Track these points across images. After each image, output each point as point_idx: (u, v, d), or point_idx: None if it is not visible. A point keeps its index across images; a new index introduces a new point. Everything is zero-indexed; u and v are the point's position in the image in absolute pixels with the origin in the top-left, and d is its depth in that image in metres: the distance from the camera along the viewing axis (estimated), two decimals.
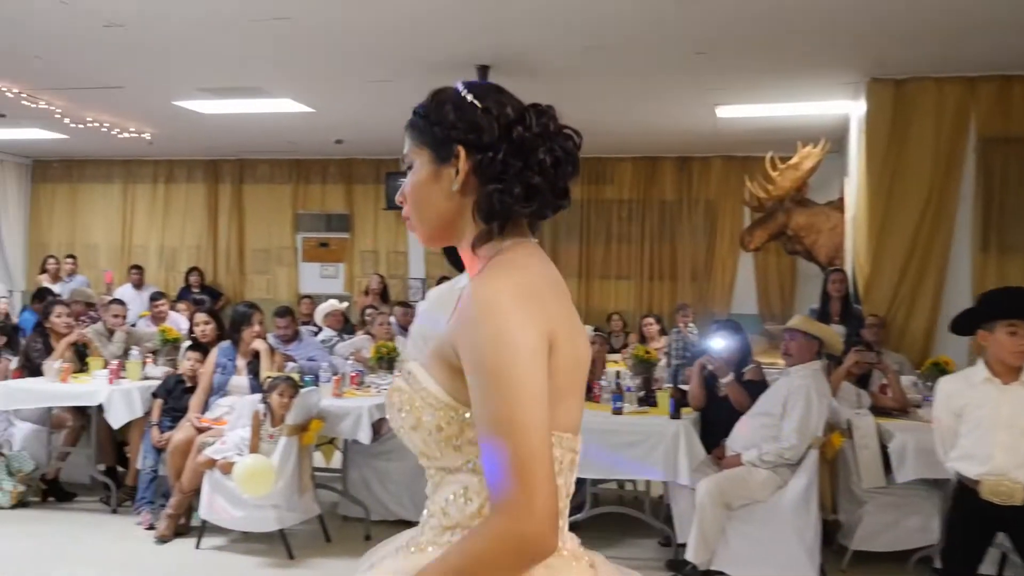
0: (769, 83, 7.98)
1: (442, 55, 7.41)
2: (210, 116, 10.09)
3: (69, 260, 12.54)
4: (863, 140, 7.54)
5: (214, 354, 6.17)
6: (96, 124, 10.54)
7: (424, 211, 1.59)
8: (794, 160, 8.60)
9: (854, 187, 8.15)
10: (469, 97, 1.55)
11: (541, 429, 1.37)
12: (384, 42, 7.16)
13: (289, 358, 7.51)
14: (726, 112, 9.05)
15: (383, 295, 11.65)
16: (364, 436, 5.60)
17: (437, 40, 7.07)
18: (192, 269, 12.66)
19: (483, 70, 7.83)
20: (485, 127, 1.52)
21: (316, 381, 6.00)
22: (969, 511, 3.87)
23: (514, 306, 1.41)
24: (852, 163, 8.41)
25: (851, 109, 8.49)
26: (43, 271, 12.32)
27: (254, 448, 5.32)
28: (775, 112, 8.86)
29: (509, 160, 1.51)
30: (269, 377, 5.51)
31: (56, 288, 11.73)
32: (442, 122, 1.54)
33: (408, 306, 9.33)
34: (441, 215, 1.58)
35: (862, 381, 6.06)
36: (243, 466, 5.09)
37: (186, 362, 6.36)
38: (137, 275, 12.33)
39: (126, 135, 11.10)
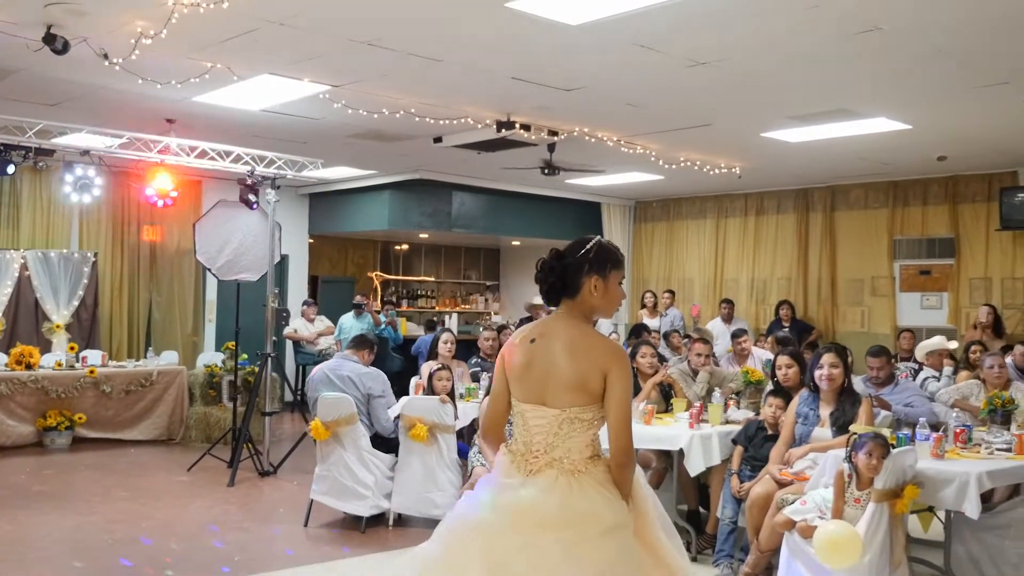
0: None
1: None
2: (798, 145, 9.71)
3: (667, 295, 13.08)
4: None
5: (795, 401, 5.71)
6: (688, 163, 10.80)
7: None
8: None
9: None
10: None
11: (487, 401, 3.27)
12: (996, 38, 6.09)
13: (884, 404, 6.79)
14: None
15: (995, 329, 10.17)
16: (971, 509, 4.68)
17: None
18: (783, 302, 12.34)
19: None
20: None
21: (912, 438, 5.19)
22: None
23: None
24: None
25: None
26: (642, 306, 13.01)
27: (837, 513, 4.75)
28: None
29: None
30: (855, 434, 4.88)
31: (653, 322, 12.29)
32: None
33: None
34: None
35: None
36: (825, 533, 4.54)
37: (767, 408, 5.99)
38: (727, 309, 12.40)
39: (716, 172, 11.22)
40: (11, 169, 7.87)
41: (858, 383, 7.22)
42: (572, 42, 6.33)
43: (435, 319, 13.71)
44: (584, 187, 13.31)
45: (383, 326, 12.28)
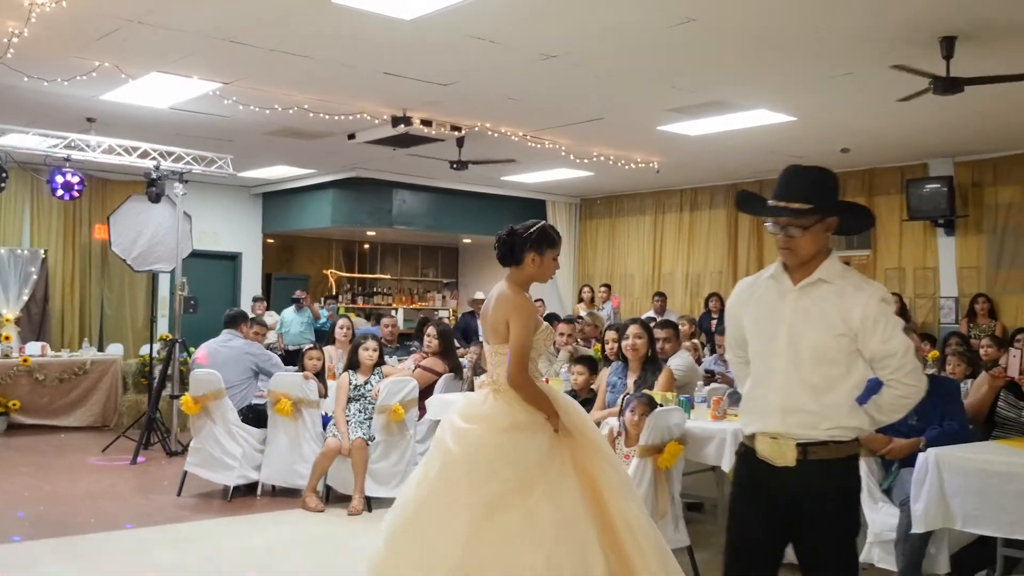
0: None
1: (898, 30, 6.37)
2: (699, 138, 9.99)
3: (603, 289, 13.41)
4: None
5: (607, 371, 6.05)
6: (602, 158, 11.13)
7: None
8: None
9: None
10: None
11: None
12: (824, 29, 6.36)
13: (727, 380, 7.11)
14: None
15: (903, 315, 10.39)
16: (726, 464, 5.00)
17: (889, 12, 6.05)
18: (712, 295, 12.62)
19: (948, 42, 6.59)
20: None
21: (691, 402, 5.52)
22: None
23: None
24: None
25: None
26: (579, 299, 13.34)
27: None
28: None
29: None
30: (628, 394, 5.22)
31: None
32: None
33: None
34: None
35: None
36: None
37: (573, 376, 6.35)
38: (659, 302, 12.68)
39: (634, 167, 11.53)
40: None
41: (710, 361, 7.56)
42: (415, 37, 6.67)
43: (381, 313, 14.11)
44: (525, 184, 13.66)
45: (323, 320, 12.70)
